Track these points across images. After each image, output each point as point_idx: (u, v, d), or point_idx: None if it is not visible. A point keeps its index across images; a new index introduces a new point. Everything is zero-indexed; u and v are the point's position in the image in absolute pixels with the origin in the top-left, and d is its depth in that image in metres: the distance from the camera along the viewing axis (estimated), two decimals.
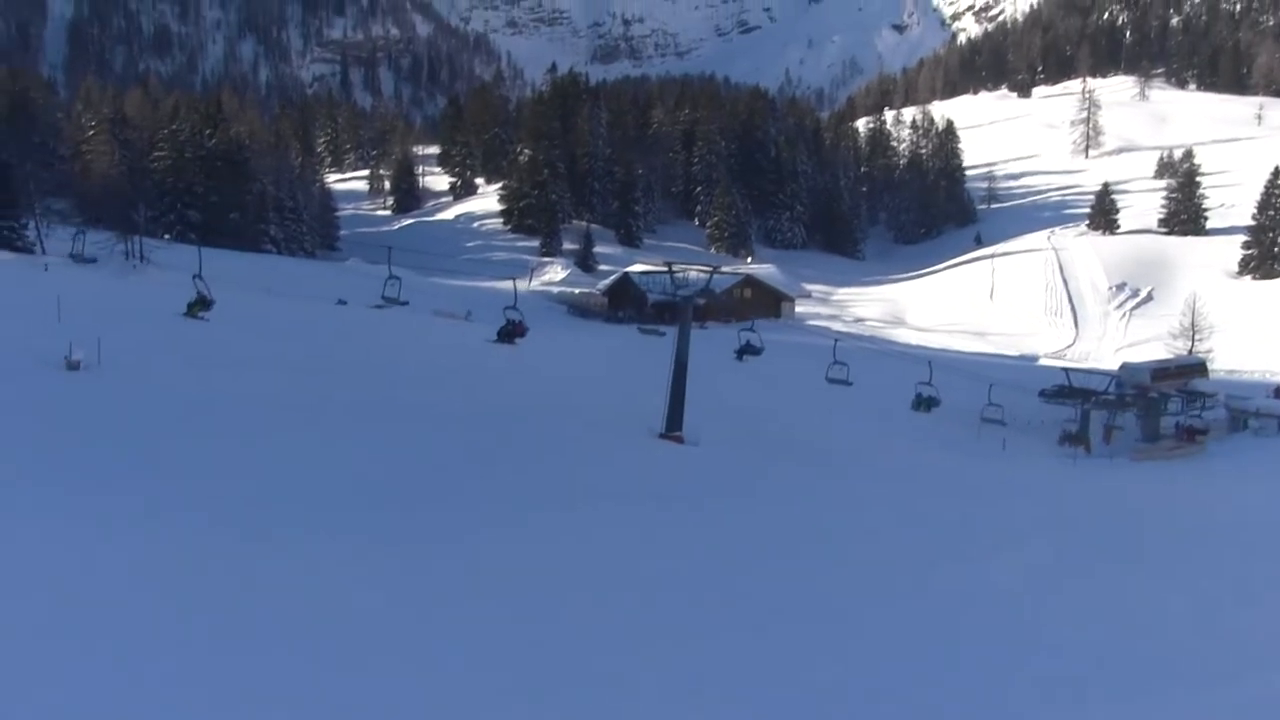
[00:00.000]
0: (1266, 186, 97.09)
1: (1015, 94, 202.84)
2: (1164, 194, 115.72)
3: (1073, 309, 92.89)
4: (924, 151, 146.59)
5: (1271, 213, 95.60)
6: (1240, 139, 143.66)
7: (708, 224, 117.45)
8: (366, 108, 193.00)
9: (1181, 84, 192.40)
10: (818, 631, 11.60)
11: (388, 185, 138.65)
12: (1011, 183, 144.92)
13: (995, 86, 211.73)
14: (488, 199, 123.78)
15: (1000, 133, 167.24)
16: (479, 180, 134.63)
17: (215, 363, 25.53)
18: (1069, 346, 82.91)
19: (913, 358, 49.35)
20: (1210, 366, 60.97)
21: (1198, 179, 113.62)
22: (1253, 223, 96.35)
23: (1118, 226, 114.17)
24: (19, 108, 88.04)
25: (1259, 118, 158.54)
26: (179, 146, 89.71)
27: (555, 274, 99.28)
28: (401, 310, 40.39)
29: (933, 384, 38.50)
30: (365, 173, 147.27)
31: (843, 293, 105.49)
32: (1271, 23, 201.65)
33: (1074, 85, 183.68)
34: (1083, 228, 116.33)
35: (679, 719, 8.88)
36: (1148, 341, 76.35)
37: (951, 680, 10.33)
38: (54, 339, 22.13)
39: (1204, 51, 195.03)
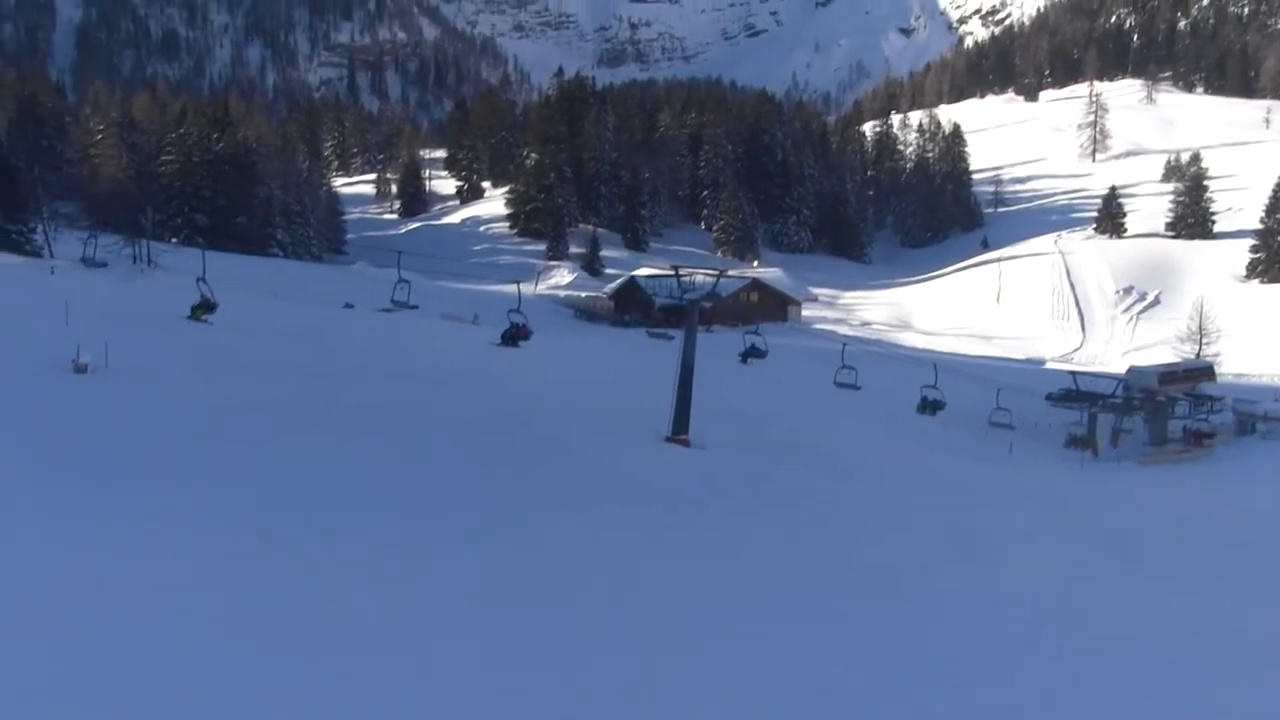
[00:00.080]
0: (1274, 190, 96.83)
1: (1022, 97, 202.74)
2: (1171, 197, 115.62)
3: (1080, 313, 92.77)
4: (930, 155, 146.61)
5: None
6: (1248, 142, 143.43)
7: (714, 228, 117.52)
8: (373, 111, 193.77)
9: (1189, 87, 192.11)
10: (821, 632, 11.60)
11: (394, 189, 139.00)
12: (1018, 186, 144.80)
13: (1002, 90, 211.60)
14: (494, 203, 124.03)
15: (1007, 136, 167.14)
16: (485, 184, 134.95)
17: (223, 367, 25.58)
18: (1076, 350, 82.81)
19: (919, 361, 49.27)
20: (1218, 370, 60.81)
21: (1205, 182, 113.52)
22: (1260, 226, 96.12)
23: (1125, 230, 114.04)
24: (27, 111, 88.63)
25: (1267, 121, 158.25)
26: (186, 150, 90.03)
27: (562, 278, 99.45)
28: (408, 314, 40.46)
29: (938, 387, 38.44)
30: (372, 176, 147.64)
31: (849, 296, 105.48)
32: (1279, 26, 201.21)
33: (1081, 89, 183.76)
34: (1090, 231, 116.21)
35: None
36: (1155, 345, 76.23)
37: (955, 682, 10.32)
38: (62, 342, 22.21)
39: (1211, 55, 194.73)
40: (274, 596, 10.33)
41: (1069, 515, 24.33)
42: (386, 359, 34.39)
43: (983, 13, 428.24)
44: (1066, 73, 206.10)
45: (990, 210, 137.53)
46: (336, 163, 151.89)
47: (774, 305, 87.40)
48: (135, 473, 14.91)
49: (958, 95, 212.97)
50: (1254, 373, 67.46)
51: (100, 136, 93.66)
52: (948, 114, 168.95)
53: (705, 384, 27.80)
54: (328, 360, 31.45)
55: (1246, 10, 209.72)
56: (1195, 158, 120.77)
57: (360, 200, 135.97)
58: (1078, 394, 47.36)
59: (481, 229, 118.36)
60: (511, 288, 45.79)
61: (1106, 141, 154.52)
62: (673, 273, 30.75)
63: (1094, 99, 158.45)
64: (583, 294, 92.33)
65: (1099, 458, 45.20)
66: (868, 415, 39.86)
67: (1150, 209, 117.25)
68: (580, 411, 28.31)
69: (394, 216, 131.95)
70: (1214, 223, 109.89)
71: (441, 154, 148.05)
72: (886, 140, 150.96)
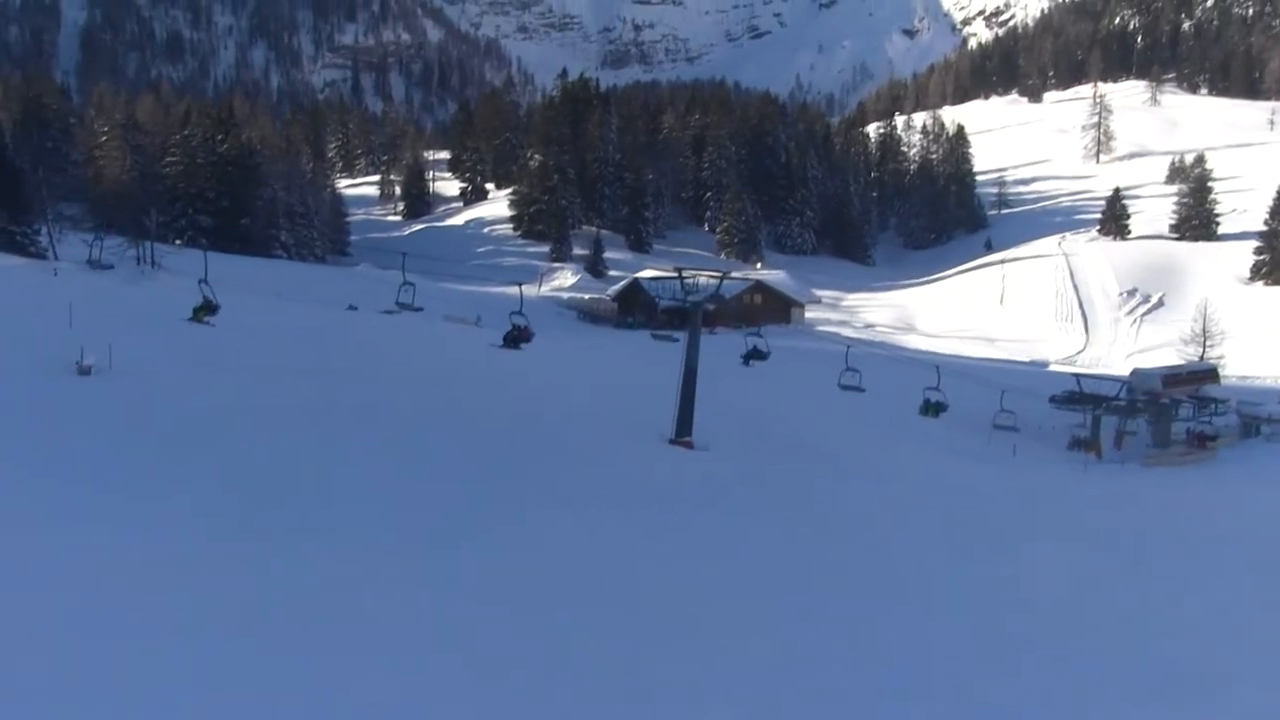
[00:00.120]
0: (1278, 192, 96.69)
1: (1026, 99, 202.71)
2: (1175, 199, 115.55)
3: (1083, 314, 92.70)
4: (934, 157, 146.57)
5: None
6: (1252, 144, 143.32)
7: (718, 229, 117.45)
8: (377, 113, 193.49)
9: (1193, 89, 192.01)
10: (822, 633, 11.60)
11: (398, 190, 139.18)
12: (1022, 188, 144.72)
13: (1006, 92, 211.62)
14: (498, 204, 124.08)
15: (1011, 138, 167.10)
16: (489, 186, 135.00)
17: (226, 368, 25.62)
18: (1080, 352, 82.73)
19: (922, 363, 49.23)
20: (1222, 372, 60.79)
21: (1209, 184, 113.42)
22: (1265, 228, 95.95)
23: (1129, 232, 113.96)
24: (32, 113, 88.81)
25: (1271, 123, 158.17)
26: (190, 152, 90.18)
27: (565, 279, 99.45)
28: (412, 315, 40.42)
29: (941, 389, 38.40)
30: (376, 178, 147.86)
31: (853, 298, 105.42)
32: None
33: (1085, 90, 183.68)
34: (1094, 233, 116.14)
35: None
36: (1159, 347, 76.13)
37: (956, 682, 10.32)
38: (66, 344, 22.28)
39: (1216, 56, 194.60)
40: (274, 596, 10.35)
41: (1072, 517, 24.28)
42: (388, 361, 34.45)
43: (987, 14, 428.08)
44: (1070, 74, 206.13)
45: (994, 212, 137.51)
46: (340, 164, 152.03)
47: (777, 307, 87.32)
48: (138, 474, 14.96)
49: (962, 97, 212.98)
50: (1258, 375, 67.34)
51: (104, 138, 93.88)
52: (951, 115, 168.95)
53: (708, 386, 27.82)
54: (330, 362, 31.51)
55: (1251, 11, 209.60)
56: (1199, 159, 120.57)
57: (364, 202, 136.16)
58: (1081, 396, 47.26)
59: (485, 231, 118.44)
60: (514, 290, 45.79)
61: (1110, 143, 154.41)
62: (676, 275, 30.76)
63: (1098, 100, 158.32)
64: (586, 296, 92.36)
65: (1103, 460, 45.09)
66: (871, 417, 39.81)
67: (1154, 211, 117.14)
68: (583, 413, 28.33)
69: (398, 218, 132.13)
70: (1218, 224, 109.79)
71: (445, 156, 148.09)
72: (890, 142, 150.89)
